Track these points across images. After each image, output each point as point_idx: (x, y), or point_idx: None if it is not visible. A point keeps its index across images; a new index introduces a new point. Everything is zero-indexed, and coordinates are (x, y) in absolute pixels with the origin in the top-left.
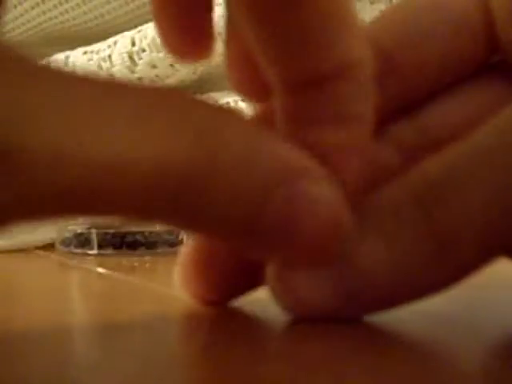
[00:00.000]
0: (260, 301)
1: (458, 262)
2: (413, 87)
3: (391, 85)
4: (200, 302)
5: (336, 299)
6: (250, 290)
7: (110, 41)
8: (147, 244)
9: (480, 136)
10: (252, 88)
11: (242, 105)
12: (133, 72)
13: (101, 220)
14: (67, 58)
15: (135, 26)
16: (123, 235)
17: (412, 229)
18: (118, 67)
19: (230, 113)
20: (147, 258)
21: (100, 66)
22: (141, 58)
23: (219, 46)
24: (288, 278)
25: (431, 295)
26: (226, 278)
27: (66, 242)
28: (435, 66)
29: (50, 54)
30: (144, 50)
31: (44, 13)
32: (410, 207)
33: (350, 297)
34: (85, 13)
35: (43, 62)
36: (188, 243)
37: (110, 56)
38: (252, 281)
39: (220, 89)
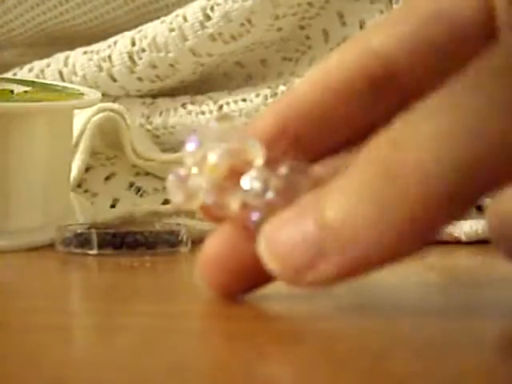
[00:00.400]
0: (258, 301)
1: (409, 221)
2: (414, 95)
3: (392, 92)
4: (220, 293)
5: (308, 251)
6: (266, 282)
7: (110, 41)
8: (147, 244)
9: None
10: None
11: (242, 105)
12: (133, 72)
13: (100, 220)
14: (67, 57)
15: (135, 26)
16: (123, 235)
17: (369, 183)
18: (118, 67)
19: None
20: (147, 257)
21: (100, 66)
22: (141, 58)
23: (219, 46)
24: (271, 240)
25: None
26: (246, 271)
27: (65, 242)
28: (437, 76)
29: (50, 54)
30: (144, 50)
31: (44, 13)
32: (369, 163)
33: (320, 251)
34: (85, 13)
35: (43, 62)
36: (209, 238)
37: (109, 56)
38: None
39: (220, 89)
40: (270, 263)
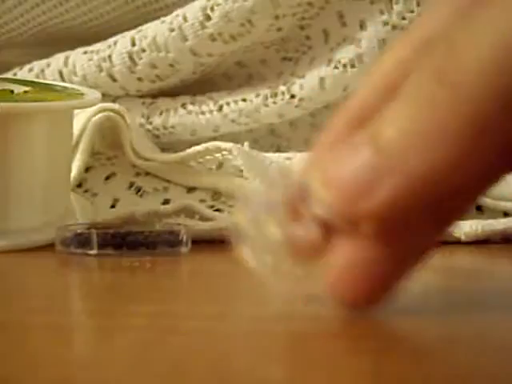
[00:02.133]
0: (258, 301)
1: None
2: None
3: None
4: (351, 307)
5: (364, 177)
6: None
7: (110, 41)
8: (147, 244)
9: None
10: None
11: (242, 105)
12: (133, 72)
13: (100, 220)
14: (67, 57)
15: (135, 26)
16: (123, 235)
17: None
18: (118, 67)
19: None
20: (147, 258)
21: (100, 66)
22: (141, 58)
23: (219, 46)
24: (325, 173)
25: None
26: (381, 288)
27: (65, 242)
28: None
29: (50, 54)
30: (144, 50)
31: (44, 13)
32: (421, 74)
33: (376, 175)
34: (85, 13)
35: (44, 62)
36: (337, 254)
37: (109, 56)
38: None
39: (220, 89)
40: (323, 195)
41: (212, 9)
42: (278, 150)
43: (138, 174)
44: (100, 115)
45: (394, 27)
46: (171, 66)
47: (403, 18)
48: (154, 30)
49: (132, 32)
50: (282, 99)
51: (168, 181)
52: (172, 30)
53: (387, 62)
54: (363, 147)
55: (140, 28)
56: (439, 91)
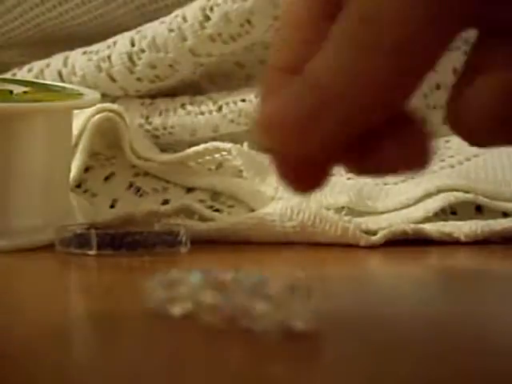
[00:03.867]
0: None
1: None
2: None
3: None
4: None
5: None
6: None
7: (110, 41)
8: (146, 244)
9: None
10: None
11: (241, 105)
12: (132, 72)
13: (100, 220)
14: (67, 58)
15: (135, 26)
16: (122, 236)
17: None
18: (118, 67)
19: None
20: (146, 258)
21: (99, 67)
22: (140, 59)
23: (218, 46)
24: (265, 113)
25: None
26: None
27: (65, 243)
28: None
29: (50, 54)
30: (143, 51)
31: (43, 13)
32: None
33: (311, 109)
34: (84, 13)
35: (43, 62)
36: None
37: (109, 56)
38: None
39: (220, 89)
40: (265, 133)
41: (211, 9)
42: None
43: (137, 175)
44: (99, 115)
45: None
46: (170, 66)
47: None
48: (154, 30)
49: (131, 32)
50: None
51: (167, 181)
52: (171, 31)
53: None
54: (298, 86)
55: (139, 28)
56: (358, 29)
